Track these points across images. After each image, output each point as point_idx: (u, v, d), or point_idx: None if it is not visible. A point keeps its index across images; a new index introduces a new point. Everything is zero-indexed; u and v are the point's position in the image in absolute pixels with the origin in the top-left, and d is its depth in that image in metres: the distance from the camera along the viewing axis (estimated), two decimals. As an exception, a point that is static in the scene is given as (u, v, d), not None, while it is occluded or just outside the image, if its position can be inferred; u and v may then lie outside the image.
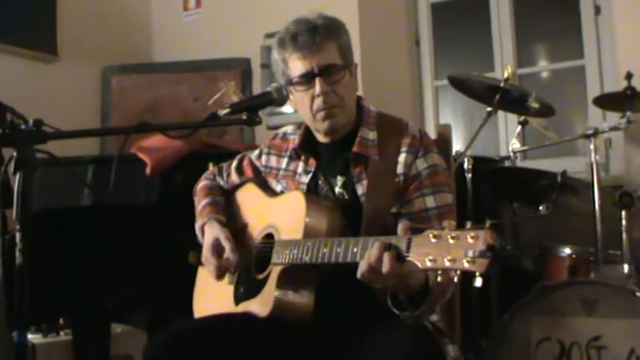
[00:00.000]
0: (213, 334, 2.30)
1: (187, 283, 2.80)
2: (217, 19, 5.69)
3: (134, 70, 5.56)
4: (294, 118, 2.68)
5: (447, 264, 1.74)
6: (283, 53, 2.40)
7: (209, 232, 2.60)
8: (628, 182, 4.15)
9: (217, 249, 2.55)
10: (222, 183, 2.83)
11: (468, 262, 1.70)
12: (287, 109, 4.91)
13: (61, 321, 3.81)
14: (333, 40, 2.37)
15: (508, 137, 4.83)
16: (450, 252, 1.74)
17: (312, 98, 2.38)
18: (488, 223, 1.72)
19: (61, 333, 3.79)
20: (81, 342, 3.54)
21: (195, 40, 5.71)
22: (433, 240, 1.79)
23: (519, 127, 4.07)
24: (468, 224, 1.75)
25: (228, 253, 2.52)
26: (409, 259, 1.85)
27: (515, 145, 3.99)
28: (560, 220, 3.83)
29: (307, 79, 2.37)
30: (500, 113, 4.47)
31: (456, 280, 1.74)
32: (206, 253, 2.57)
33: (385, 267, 1.91)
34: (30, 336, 3.68)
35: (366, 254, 1.97)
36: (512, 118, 4.75)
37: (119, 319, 3.98)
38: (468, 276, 1.73)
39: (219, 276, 2.55)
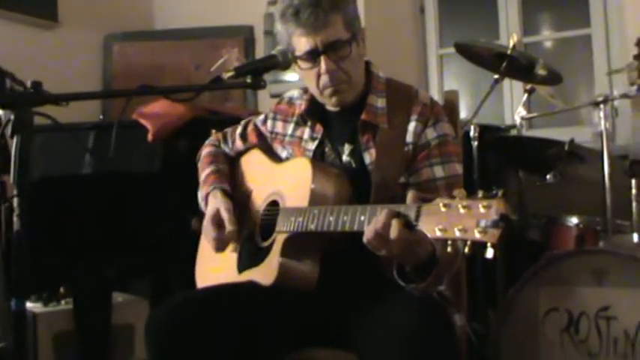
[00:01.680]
0: (215, 305, 2.26)
1: (190, 250, 2.76)
2: (220, -14, 5.62)
3: (136, 38, 5.51)
4: (298, 86, 2.62)
5: (458, 234, 1.67)
6: (286, 27, 2.30)
7: (212, 202, 2.54)
8: (635, 152, 4.09)
9: (217, 221, 2.48)
10: (227, 150, 2.77)
11: (479, 232, 1.63)
12: (291, 77, 4.96)
13: (61, 290, 3.79)
14: (338, 12, 2.26)
15: (513, 106, 4.81)
16: (461, 222, 1.67)
17: (319, 75, 2.31)
18: (500, 192, 1.65)
19: (62, 302, 3.76)
20: (82, 311, 3.53)
21: (198, 7, 5.63)
22: (443, 209, 1.72)
23: (526, 95, 4.00)
24: (480, 193, 1.68)
25: (227, 225, 2.45)
26: (418, 227, 1.79)
27: (522, 113, 3.93)
28: (567, 190, 3.80)
29: (312, 56, 2.29)
30: (506, 82, 4.42)
31: (466, 250, 1.68)
32: (206, 225, 2.51)
33: (393, 233, 1.85)
34: (30, 305, 3.67)
35: (373, 220, 1.91)
36: (518, 87, 4.78)
37: (121, 287, 3.95)
38: (476, 247, 1.68)
39: (219, 248, 2.50)
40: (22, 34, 4.92)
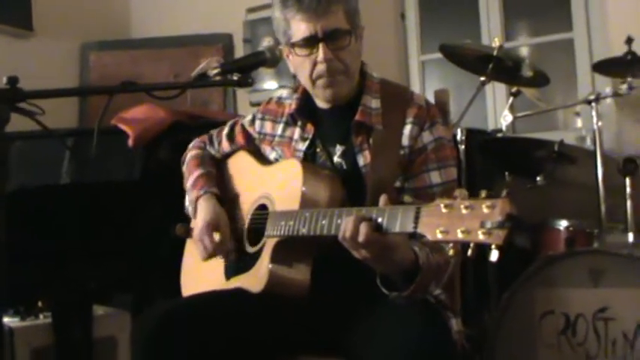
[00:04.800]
0: (203, 312, 2.20)
1: (173, 260, 2.69)
2: (198, -6, 5.57)
3: (113, 47, 5.46)
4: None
5: (460, 236, 1.59)
6: (285, 12, 2.25)
7: (206, 206, 2.46)
8: (622, 152, 4.06)
9: (213, 229, 2.41)
10: (213, 152, 2.70)
11: (483, 233, 1.55)
12: (270, 85, 4.92)
13: (39, 303, 3.68)
14: (341, 2, 2.23)
15: (497, 110, 4.78)
16: (464, 223, 1.59)
17: (314, 64, 2.25)
18: (504, 192, 1.59)
19: (41, 316, 3.65)
20: (61, 325, 3.45)
21: (176, 15, 5.60)
22: (444, 210, 1.65)
23: (511, 99, 3.96)
24: (483, 193, 1.61)
25: (225, 239, 2.40)
26: (418, 230, 1.72)
27: (508, 117, 3.88)
28: (555, 193, 3.75)
29: (310, 43, 2.23)
30: (489, 87, 4.38)
31: (469, 253, 1.60)
32: (201, 231, 2.42)
33: (362, 237, 1.83)
34: (7, 319, 3.57)
35: (342, 222, 1.89)
36: (500, 92, 4.78)
37: (101, 300, 3.85)
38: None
39: (208, 258, 2.43)
40: (-4, 43, 4.85)
